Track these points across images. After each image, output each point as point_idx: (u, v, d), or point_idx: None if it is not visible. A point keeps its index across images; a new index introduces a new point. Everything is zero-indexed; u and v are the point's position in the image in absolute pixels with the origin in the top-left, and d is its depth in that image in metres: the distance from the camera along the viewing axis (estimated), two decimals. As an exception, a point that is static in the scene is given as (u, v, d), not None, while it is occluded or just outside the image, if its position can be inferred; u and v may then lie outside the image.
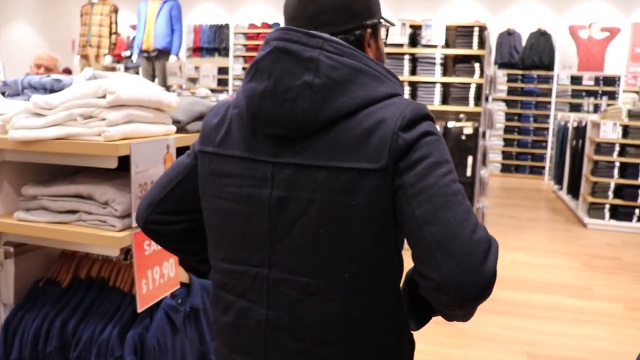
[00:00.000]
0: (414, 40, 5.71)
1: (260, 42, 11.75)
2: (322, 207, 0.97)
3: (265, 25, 11.86)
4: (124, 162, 1.52)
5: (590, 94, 10.17)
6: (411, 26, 5.66)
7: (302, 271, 1.00)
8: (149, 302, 1.62)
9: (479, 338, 3.47)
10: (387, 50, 5.71)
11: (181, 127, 1.84)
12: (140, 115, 1.61)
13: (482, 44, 5.48)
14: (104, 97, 1.51)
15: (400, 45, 5.67)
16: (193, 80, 9.99)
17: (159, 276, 1.66)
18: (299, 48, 0.96)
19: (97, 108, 1.51)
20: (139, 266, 1.57)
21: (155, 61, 6.49)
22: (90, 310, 1.66)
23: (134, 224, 1.53)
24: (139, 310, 1.59)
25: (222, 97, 8.59)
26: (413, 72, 5.65)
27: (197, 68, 10.77)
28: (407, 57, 5.63)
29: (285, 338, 1.03)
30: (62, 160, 1.59)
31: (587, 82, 10.25)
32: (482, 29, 5.46)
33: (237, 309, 1.08)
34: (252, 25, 11.94)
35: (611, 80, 10.20)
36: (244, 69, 12.03)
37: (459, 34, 5.62)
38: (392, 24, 1.15)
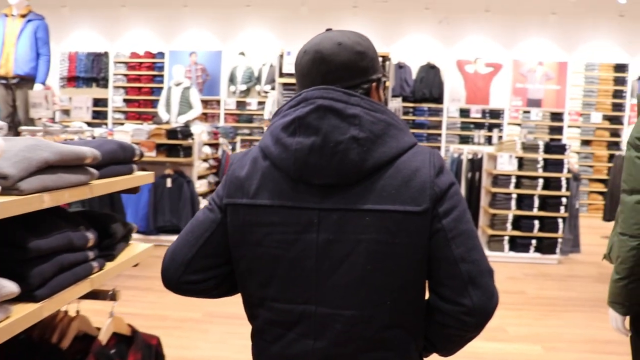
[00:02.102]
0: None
1: (144, 72, 11.04)
2: (369, 246, 1.09)
3: (149, 54, 11.12)
4: None
5: (478, 126, 10.49)
6: (309, 55, 5.33)
7: (347, 305, 1.11)
8: None
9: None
10: (283, 81, 5.33)
11: (10, 185, 1.14)
12: None
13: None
14: None
15: (298, 75, 5.32)
16: (67, 113, 9.01)
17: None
18: (342, 106, 1.09)
19: None
20: None
21: (16, 90, 5.59)
22: None
23: None
24: None
25: (100, 131, 7.76)
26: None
27: (71, 99, 9.76)
28: (305, 87, 5.29)
29: None
30: None
31: (475, 115, 10.57)
32: (385, 58, 5.25)
33: (285, 342, 1.16)
34: (134, 54, 11.15)
35: (496, 113, 10.60)
36: (124, 100, 11.18)
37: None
38: (387, 78, 1.23)
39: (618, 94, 10.56)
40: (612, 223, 7.47)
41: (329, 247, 1.11)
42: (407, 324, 1.16)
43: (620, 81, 10.56)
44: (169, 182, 6.53)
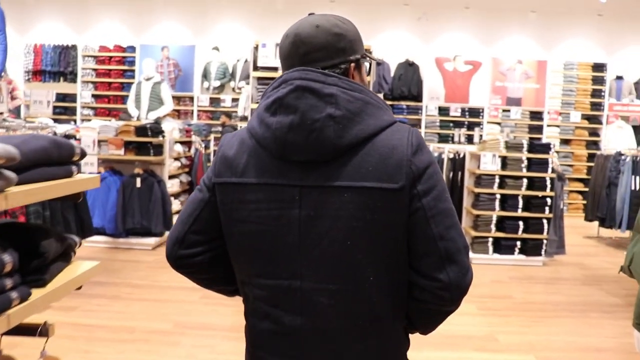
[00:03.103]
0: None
1: (114, 67, 10.59)
2: (348, 222, 1.13)
3: (119, 48, 10.68)
4: None
5: (457, 124, 10.31)
6: (287, 48, 5.03)
7: (331, 279, 1.15)
8: None
9: None
10: (258, 74, 5.02)
11: None
12: None
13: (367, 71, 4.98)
14: None
15: (275, 69, 5.01)
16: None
17: None
18: (319, 86, 1.14)
19: None
20: None
21: (-31, 82, 5.17)
22: None
23: None
24: None
25: (66, 127, 7.33)
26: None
27: (30, 93, 9.29)
28: (282, 82, 4.99)
29: (319, 340, 1.18)
30: None
31: (454, 113, 10.39)
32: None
33: (273, 318, 1.20)
34: (103, 48, 10.70)
35: (476, 112, 10.44)
36: (93, 96, 10.71)
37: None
38: (376, 60, 1.40)
39: (597, 94, 10.49)
40: (595, 223, 7.31)
41: (311, 223, 1.14)
42: (392, 300, 1.19)
43: (599, 81, 10.49)
44: (138, 182, 6.16)
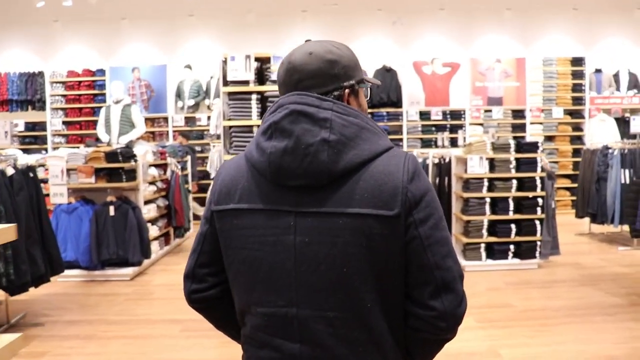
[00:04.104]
0: (261, 77, 4.83)
1: (83, 92, 10.24)
2: (344, 249, 1.11)
3: (88, 72, 10.36)
4: None
5: (440, 128, 10.13)
6: (257, 59, 4.77)
7: (328, 306, 1.13)
8: None
9: None
10: (228, 90, 4.77)
11: None
12: None
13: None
14: None
15: (246, 83, 4.76)
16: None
17: None
18: (314, 110, 1.14)
19: None
20: None
21: None
22: None
23: None
24: None
25: (34, 157, 7.00)
26: (263, 114, 4.73)
27: (1, 124, 8.93)
28: (254, 96, 4.72)
29: None
30: None
31: (436, 117, 10.22)
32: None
33: (272, 346, 1.18)
34: (71, 73, 10.38)
35: (457, 114, 10.27)
36: (64, 123, 10.36)
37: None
38: (375, 83, 1.32)
39: (577, 88, 10.39)
40: (585, 219, 7.10)
41: (306, 249, 1.13)
42: (391, 326, 1.18)
43: (579, 75, 10.40)
44: (112, 210, 5.85)
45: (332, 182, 1.12)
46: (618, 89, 10.41)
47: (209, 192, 1.26)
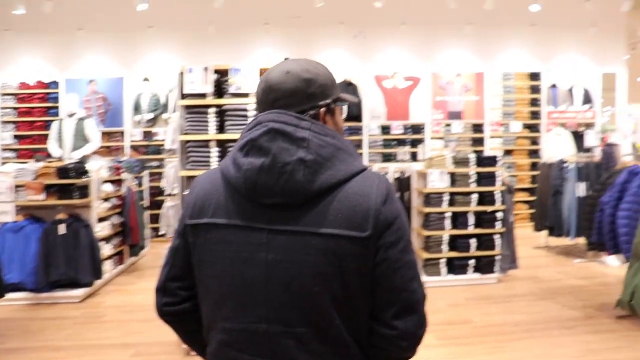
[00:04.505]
0: (220, 90, 4.71)
1: (36, 105, 9.89)
2: (315, 268, 1.12)
3: (41, 84, 10.03)
4: None
5: (400, 142, 10.16)
6: (216, 71, 4.65)
7: (299, 323, 1.14)
8: None
9: None
10: (185, 103, 4.63)
11: None
12: None
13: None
14: None
15: (203, 96, 4.63)
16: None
17: None
18: (292, 129, 1.15)
19: None
20: None
21: None
22: None
23: None
24: None
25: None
26: (221, 128, 4.60)
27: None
28: (212, 109, 4.59)
29: None
30: None
31: (396, 131, 10.24)
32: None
33: None
34: (23, 85, 10.02)
35: (418, 128, 10.32)
36: (15, 137, 9.98)
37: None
38: (352, 101, 1.34)
39: (535, 102, 10.58)
40: (542, 232, 7.12)
41: (278, 267, 1.13)
42: (359, 343, 1.20)
43: (536, 89, 10.60)
44: (62, 229, 5.60)
45: (307, 202, 1.14)
46: (572, 103, 10.65)
47: (181, 206, 1.21)
